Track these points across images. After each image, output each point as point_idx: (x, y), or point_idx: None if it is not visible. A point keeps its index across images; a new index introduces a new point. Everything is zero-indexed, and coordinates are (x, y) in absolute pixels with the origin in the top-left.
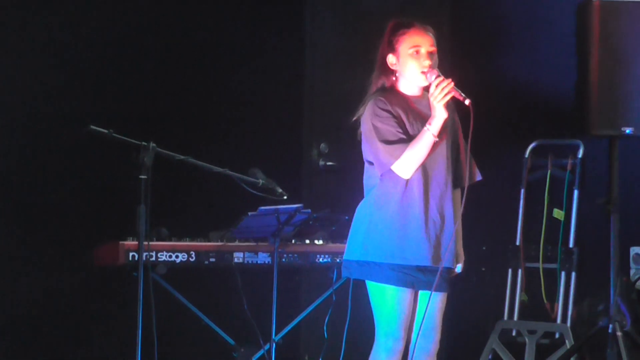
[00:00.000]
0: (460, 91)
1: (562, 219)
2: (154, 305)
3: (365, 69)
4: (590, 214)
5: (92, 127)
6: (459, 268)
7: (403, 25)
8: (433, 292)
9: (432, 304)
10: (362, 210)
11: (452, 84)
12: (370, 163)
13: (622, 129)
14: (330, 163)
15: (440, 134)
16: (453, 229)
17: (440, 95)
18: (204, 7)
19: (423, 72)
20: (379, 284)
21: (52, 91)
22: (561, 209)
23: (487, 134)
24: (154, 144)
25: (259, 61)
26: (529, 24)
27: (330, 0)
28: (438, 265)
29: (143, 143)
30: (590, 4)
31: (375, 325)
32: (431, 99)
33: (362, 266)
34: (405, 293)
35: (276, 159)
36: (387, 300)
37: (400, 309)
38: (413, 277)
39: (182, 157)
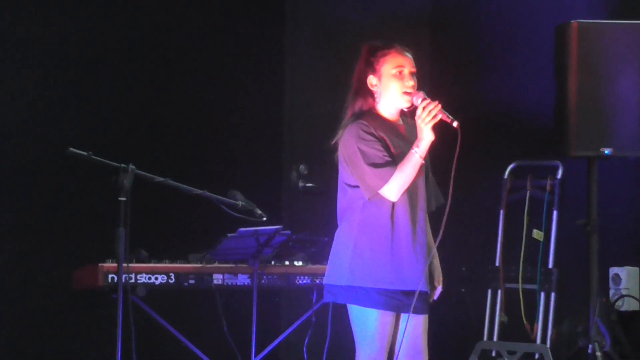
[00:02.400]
0: (447, 113)
1: (542, 239)
2: (134, 328)
3: (345, 91)
4: (570, 234)
5: (71, 149)
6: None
7: (384, 46)
8: (419, 315)
9: (416, 327)
10: (343, 235)
11: (440, 106)
12: (352, 187)
13: (601, 149)
14: (309, 185)
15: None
16: (432, 252)
17: (428, 117)
18: (183, 29)
19: (406, 93)
20: (362, 307)
21: (31, 113)
22: (540, 229)
23: (466, 155)
24: (133, 166)
25: (238, 83)
26: (508, 45)
27: (310, 22)
28: (427, 288)
29: (122, 165)
30: (569, 26)
31: (356, 348)
32: (418, 122)
33: (348, 291)
34: (388, 316)
35: (256, 180)
36: (369, 323)
37: (383, 331)
38: (398, 301)
39: (161, 179)
